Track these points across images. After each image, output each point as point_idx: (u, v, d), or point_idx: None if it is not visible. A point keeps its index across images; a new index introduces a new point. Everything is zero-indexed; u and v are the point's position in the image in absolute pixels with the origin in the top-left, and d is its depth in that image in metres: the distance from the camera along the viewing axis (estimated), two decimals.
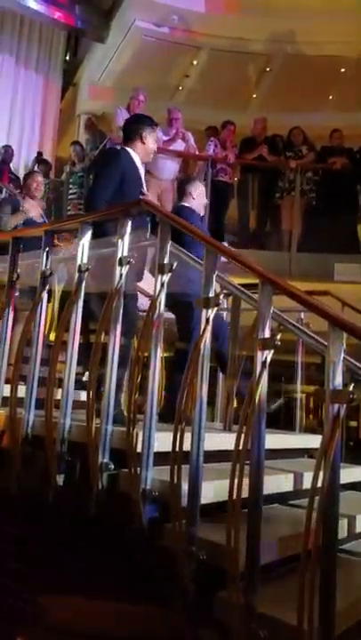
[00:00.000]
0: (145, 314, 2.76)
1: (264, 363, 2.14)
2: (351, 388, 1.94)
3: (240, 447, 2.11)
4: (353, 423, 6.98)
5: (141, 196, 3.36)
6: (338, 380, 1.97)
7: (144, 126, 3.81)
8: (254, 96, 11.51)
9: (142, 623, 2.33)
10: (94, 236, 3.05)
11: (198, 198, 4.50)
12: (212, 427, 3.77)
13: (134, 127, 3.82)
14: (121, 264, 2.78)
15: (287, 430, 4.45)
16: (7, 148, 9.33)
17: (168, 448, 2.34)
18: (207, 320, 2.40)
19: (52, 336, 4.18)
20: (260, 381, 2.12)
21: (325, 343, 2.08)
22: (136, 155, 3.76)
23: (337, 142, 8.40)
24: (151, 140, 3.83)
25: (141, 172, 3.81)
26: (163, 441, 2.44)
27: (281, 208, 8.40)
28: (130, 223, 2.84)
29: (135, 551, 2.39)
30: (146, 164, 7.75)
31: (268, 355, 2.15)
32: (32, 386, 3.04)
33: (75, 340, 2.93)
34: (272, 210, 8.55)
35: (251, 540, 2.03)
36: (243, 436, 2.12)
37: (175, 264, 2.63)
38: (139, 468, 2.43)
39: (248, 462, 2.11)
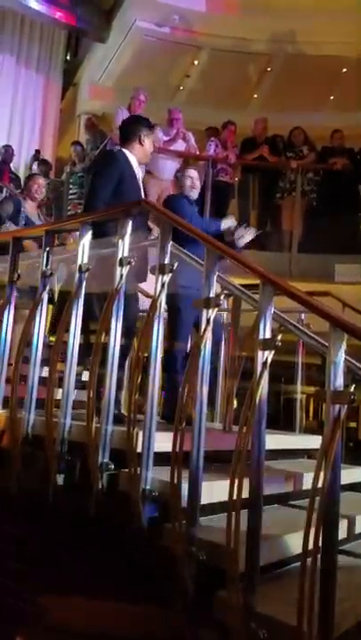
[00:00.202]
0: (145, 314, 2.76)
1: (265, 363, 2.14)
2: (352, 389, 1.94)
3: (240, 447, 2.11)
4: (353, 424, 6.97)
5: None
6: (339, 381, 1.97)
7: (142, 128, 3.80)
8: (255, 96, 11.50)
9: (142, 623, 2.33)
10: (93, 237, 3.05)
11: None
12: (212, 427, 3.77)
13: (132, 129, 3.82)
14: (121, 264, 2.78)
15: (287, 431, 4.44)
16: (7, 147, 9.32)
17: (168, 448, 2.34)
18: (208, 320, 2.40)
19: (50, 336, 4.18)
20: (260, 382, 2.12)
21: (326, 344, 2.08)
22: (133, 156, 3.75)
23: (338, 143, 8.40)
24: (149, 141, 3.82)
25: (139, 173, 3.79)
26: (163, 441, 2.44)
27: (282, 208, 8.40)
28: (130, 223, 2.84)
29: (135, 551, 2.39)
30: (146, 164, 7.79)
31: (269, 355, 2.14)
32: (32, 386, 3.04)
33: (75, 340, 2.93)
34: (273, 210, 8.55)
35: (251, 540, 2.03)
36: (243, 436, 2.12)
37: (176, 264, 2.63)
38: (139, 468, 2.43)
39: (248, 462, 2.11)
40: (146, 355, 2.62)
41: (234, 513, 2.06)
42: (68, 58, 11.90)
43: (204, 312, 2.41)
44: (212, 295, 2.44)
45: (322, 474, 1.88)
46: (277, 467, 3.14)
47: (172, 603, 2.20)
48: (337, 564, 1.93)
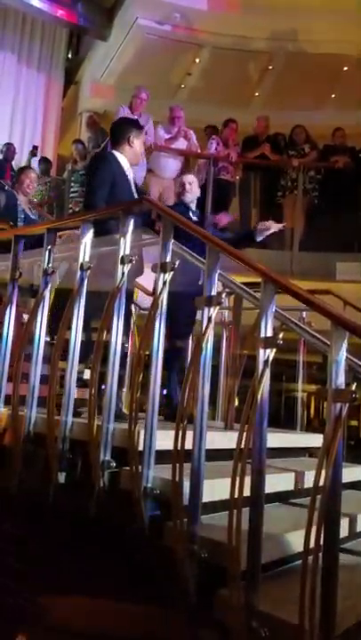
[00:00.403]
0: (147, 312, 2.75)
1: (266, 361, 2.13)
2: (353, 387, 1.93)
3: (242, 446, 2.11)
4: (354, 422, 6.97)
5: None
6: (340, 380, 1.96)
7: (131, 129, 3.86)
8: (256, 94, 11.50)
9: (142, 623, 2.33)
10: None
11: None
12: (213, 425, 3.77)
13: (121, 131, 3.86)
14: (123, 262, 2.77)
15: (288, 429, 4.44)
16: (9, 145, 9.33)
17: (169, 446, 2.34)
18: (209, 319, 2.39)
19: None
20: (262, 380, 2.12)
21: (328, 342, 2.07)
22: (124, 158, 3.78)
23: (339, 141, 8.39)
24: (138, 142, 3.87)
25: (130, 174, 3.82)
26: (164, 439, 2.44)
27: (283, 207, 8.38)
28: (132, 222, 2.83)
29: (135, 551, 2.38)
30: (148, 162, 7.79)
31: (271, 353, 2.14)
32: (34, 384, 3.04)
33: (77, 337, 2.92)
34: (274, 208, 8.52)
35: (252, 538, 2.03)
36: (245, 434, 2.11)
37: (177, 262, 2.63)
38: (140, 466, 2.43)
39: (250, 461, 2.10)
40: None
41: (235, 511, 2.06)
42: (70, 56, 11.91)
43: (206, 310, 2.41)
44: (213, 293, 2.43)
45: (323, 472, 1.88)
46: (279, 465, 3.14)
47: (172, 602, 2.19)
48: (338, 563, 1.93)
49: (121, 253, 2.78)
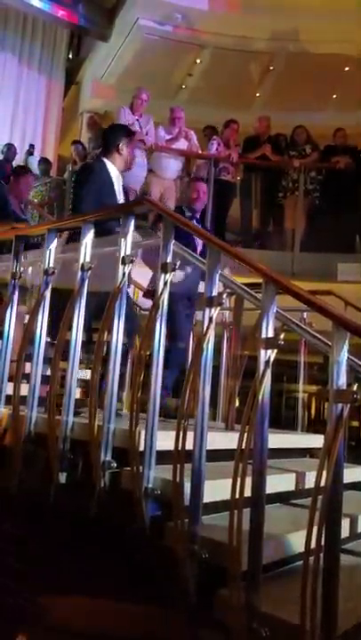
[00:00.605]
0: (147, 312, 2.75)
1: (267, 362, 2.13)
2: (355, 388, 1.93)
3: (243, 446, 2.11)
4: (355, 423, 6.97)
5: None
6: (341, 380, 1.96)
7: (121, 137, 3.96)
8: (257, 95, 11.50)
9: (142, 623, 2.33)
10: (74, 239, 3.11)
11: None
12: (214, 426, 3.77)
13: (111, 139, 3.99)
14: (124, 263, 2.77)
15: (289, 430, 4.44)
16: (10, 146, 9.33)
17: (170, 447, 2.34)
18: (210, 319, 2.39)
19: None
20: (263, 381, 2.11)
21: (329, 343, 2.07)
22: (112, 165, 3.90)
23: (341, 141, 8.37)
24: (127, 149, 3.97)
25: (117, 182, 3.94)
26: (165, 439, 2.44)
27: (284, 207, 8.39)
28: (133, 222, 2.84)
29: (136, 551, 2.38)
30: (149, 162, 7.80)
31: (272, 354, 2.14)
32: (35, 384, 3.04)
33: (78, 338, 2.92)
34: (275, 209, 8.53)
35: (253, 539, 2.03)
36: (245, 435, 2.11)
37: (178, 262, 2.63)
38: (141, 467, 2.43)
39: (250, 461, 2.10)
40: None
41: (236, 511, 2.06)
42: (71, 56, 11.92)
43: (207, 311, 2.41)
44: (214, 294, 2.43)
45: (324, 472, 1.88)
46: (280, 465, 3.14)
47: (172, 602, 2.19)
48: (340, 563, 1.93)
49: (122, 254, 2.79)
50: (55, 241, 3.22)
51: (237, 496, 2.08)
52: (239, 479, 2.08)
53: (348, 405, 1.92)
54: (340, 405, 1.92)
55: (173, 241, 2.66)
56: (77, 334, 2.92)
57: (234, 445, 2.16)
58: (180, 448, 2.30)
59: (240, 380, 3.73)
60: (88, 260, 2.95)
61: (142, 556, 2.36)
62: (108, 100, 10.99)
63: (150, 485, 2.42)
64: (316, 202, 8.23)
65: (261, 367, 2.14)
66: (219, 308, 2.45)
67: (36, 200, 8.70)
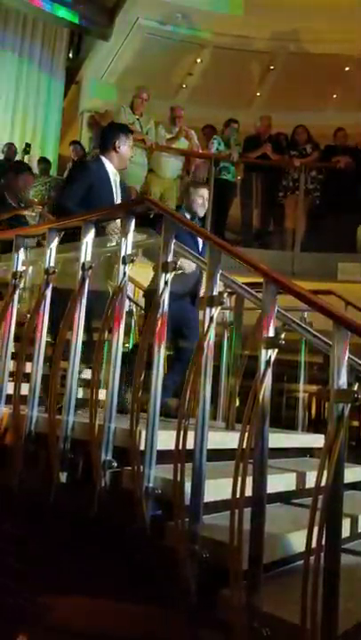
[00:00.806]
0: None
1: (268, 362, 2.13)
2: (355, 387, 1.93)
3: (243, 446, 2.10)
4: (356, 423, 6.97)
5: None
6: (342, 380, 1.96)
7: (118, 135, 4.04)
8: (258, 94, 11.50)
9: (142, 623, 2.33)
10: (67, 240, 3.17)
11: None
12: (214, 425, 3.77)
13: (108, 137, 4.07)
14: (124, 262, 2.77)
15: (290, 429, 4.43)
16: (10, 145, 9.32)
17: (171, 446, 2.34)
18: (211, 319, 2.39)
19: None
20: (263, 380, 2.11)
21: (330, 342, 2.07)
22: (110, 163, 3.99)
23: (341, 141, 8.38)
24: (125, 147, 4.05)
25: (115, 179, 4.01)
26: (166, 439, 2.44)
27: (285, 207, 8.39)
28: (133, 222, 2.83)
29: (136, 551, 2.38)
30: (149, 162, 7.81)
31: (273, 354, 2.14)
32: (35, 383, 3.04)
33: (78, 337, 2.92)
34: (275, 209, 8.53)
35: (254, 538, 2.03)
36: (246, 434, 2.11)
37: (179, 262, 2.63)
38: (142, 466, 2.43)
39: (251, 461, 2.10)
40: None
41: (237, 511, 2.06)
42: (71, 56, 11.88)
43: (207, 310, 2.40)
44: (215, 293, 2.43)
45: (325, 472, 1.88)
46: (280, 465, 3.13)
47: (173, 602, 2.19)
48: (340, 563, 1.92)
49: (122, 253, 2.78)
50: (56, 240, 3.22)
51: (238, 495, 2.08)
52: (240, 479, 2.08)
53: (349, 405, 1.91)
54: (340, 405, 1.92)
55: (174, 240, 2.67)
56: (78, 335, 2.92)
57: (234, 445, 2.16)
58: (180, 447, 2.30)
59: (241, 380, 3.73)
60: (89, 259, 2.95)
61: (143, 556, 2.36)
62: (108, 100, 10.98)
63: (151, 485, 2.42)
64: (317, 201, 8.24)
65: (262, 367, 2.13)
66: (220, 308, 2.44)
67: (35, 199, 8.69)
